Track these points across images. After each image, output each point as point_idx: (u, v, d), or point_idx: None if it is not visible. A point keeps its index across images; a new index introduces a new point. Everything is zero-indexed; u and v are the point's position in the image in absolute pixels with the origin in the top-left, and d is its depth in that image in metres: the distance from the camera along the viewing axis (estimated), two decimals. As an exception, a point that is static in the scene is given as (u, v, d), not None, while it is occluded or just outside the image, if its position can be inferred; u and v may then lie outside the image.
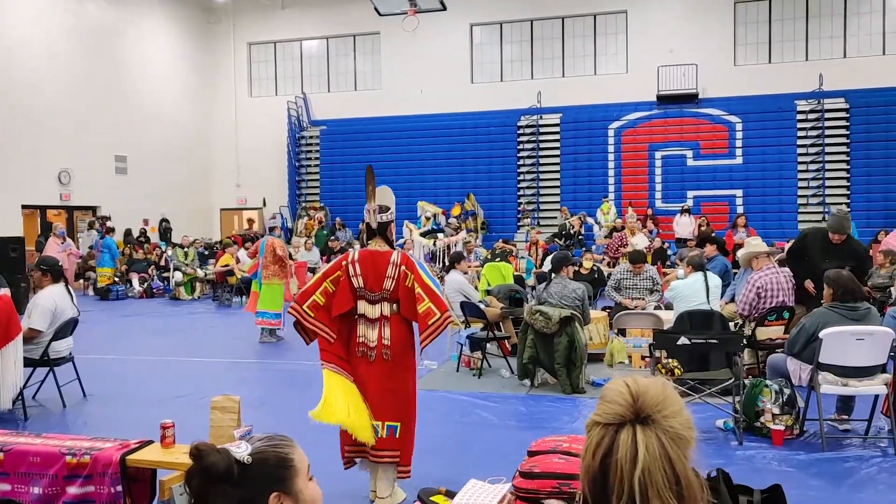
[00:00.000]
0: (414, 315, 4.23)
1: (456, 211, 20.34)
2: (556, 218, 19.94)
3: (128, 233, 19.37)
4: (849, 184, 19.41)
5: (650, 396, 1.18)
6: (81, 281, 17.24)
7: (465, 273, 9.92)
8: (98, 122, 19.83)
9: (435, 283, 4.31)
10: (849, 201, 19.09)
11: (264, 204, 23.96)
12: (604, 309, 9.67)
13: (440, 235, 17.21)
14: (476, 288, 10.86)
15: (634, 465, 1.12)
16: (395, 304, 4.26)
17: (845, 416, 5.66)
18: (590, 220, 19.05)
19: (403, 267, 4.22)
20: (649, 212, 19.16)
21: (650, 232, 17.14)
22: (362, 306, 4.25)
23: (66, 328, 6.57)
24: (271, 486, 1.43)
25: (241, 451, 1.43)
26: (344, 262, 4.28)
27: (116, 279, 16.20)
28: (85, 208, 20.06)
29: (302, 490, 1.48)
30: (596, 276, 11.80)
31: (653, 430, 1.15)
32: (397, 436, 4.19)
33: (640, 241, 14.88)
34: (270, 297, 9.72)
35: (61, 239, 15.66)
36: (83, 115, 19.35)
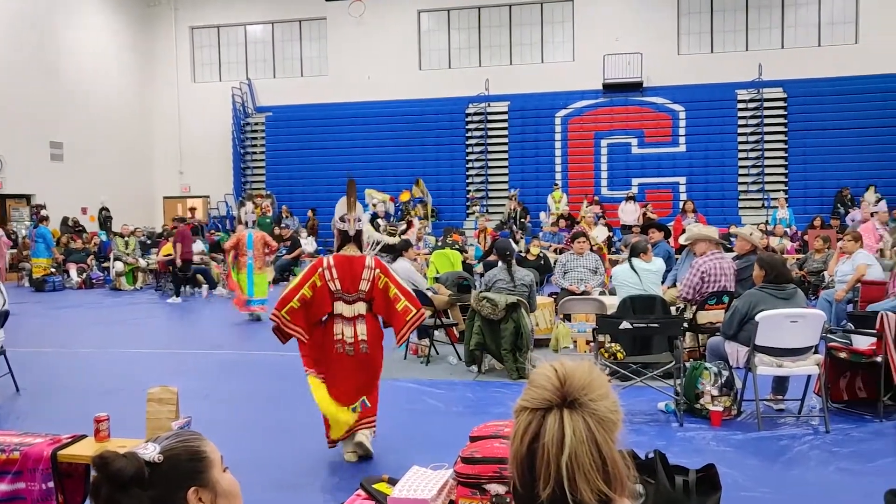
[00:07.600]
0: (386, 313, 4.72)
1: (404, 197, 20.23)
2: (504, 205, 20.06)
3: (64, 221, 18.76)
4: (786, 171, 19.99)
5: (576, 380, 1.18)
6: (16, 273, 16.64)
7: (414, 260, 9.93)
8: (31, 107, 19.06)
9: (406, 283, 4.84)
10: (786, 188, 19.68)
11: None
12: (550, 295, 9.77)
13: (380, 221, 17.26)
14: (425, 275, 10.86)
15: (561, 448, 1.12)
16: (368, 304, 4.69)
17: (780, 397, 5.86)
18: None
19: (378, 270, 4.69)
20: (595, 199, 19.42)
21: (595, 216, 17.33)
22: (339, 307, 4.64)
23: (-3, 321, 6.34)
24: (186, 481, 1.40)
25: (149, 451, 1.39)
26: (319, 269, 4.64)
27: (53, 270, 15.68)
28: (18, 196, 19.31)
29: (218, 481, 1.45)
30: (542, 262, 11.92)
31: (580, 414, 1.15)
32: (369, 404, 4.73)
33: (599, 234, 14.97)
34: (261, 285, 10.39)
35: None
36: (15, 100, 18.56)
